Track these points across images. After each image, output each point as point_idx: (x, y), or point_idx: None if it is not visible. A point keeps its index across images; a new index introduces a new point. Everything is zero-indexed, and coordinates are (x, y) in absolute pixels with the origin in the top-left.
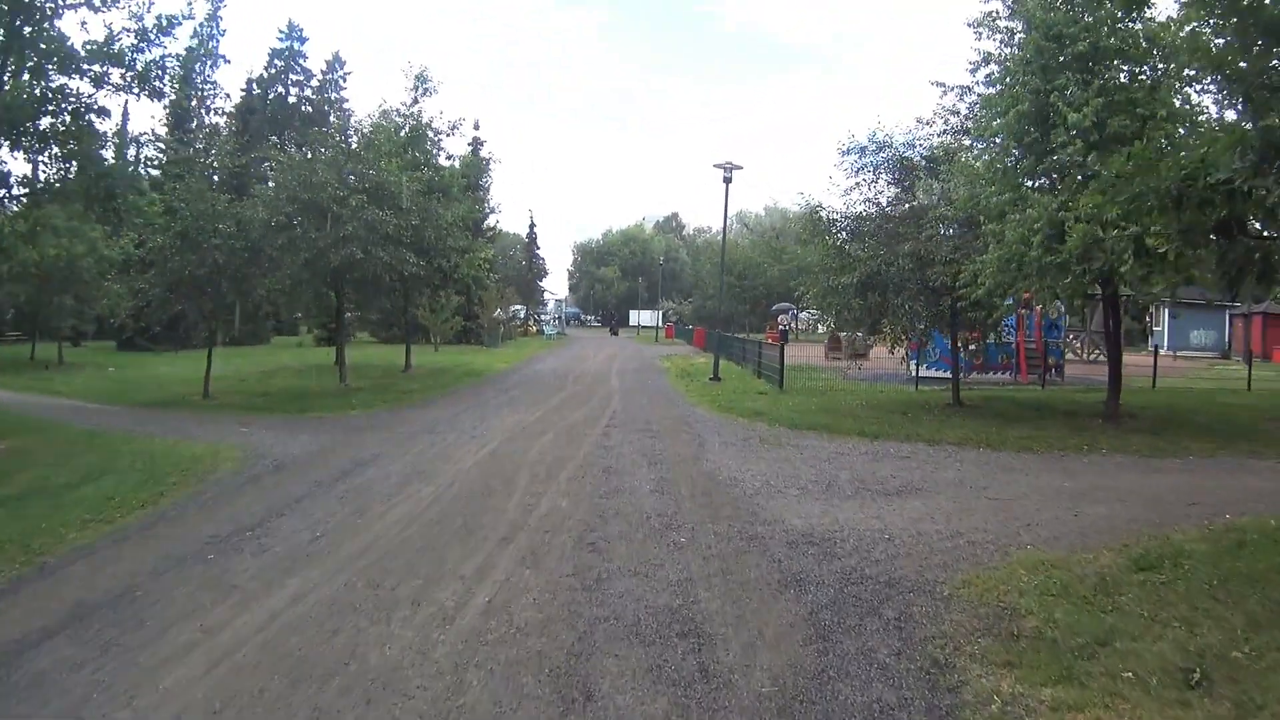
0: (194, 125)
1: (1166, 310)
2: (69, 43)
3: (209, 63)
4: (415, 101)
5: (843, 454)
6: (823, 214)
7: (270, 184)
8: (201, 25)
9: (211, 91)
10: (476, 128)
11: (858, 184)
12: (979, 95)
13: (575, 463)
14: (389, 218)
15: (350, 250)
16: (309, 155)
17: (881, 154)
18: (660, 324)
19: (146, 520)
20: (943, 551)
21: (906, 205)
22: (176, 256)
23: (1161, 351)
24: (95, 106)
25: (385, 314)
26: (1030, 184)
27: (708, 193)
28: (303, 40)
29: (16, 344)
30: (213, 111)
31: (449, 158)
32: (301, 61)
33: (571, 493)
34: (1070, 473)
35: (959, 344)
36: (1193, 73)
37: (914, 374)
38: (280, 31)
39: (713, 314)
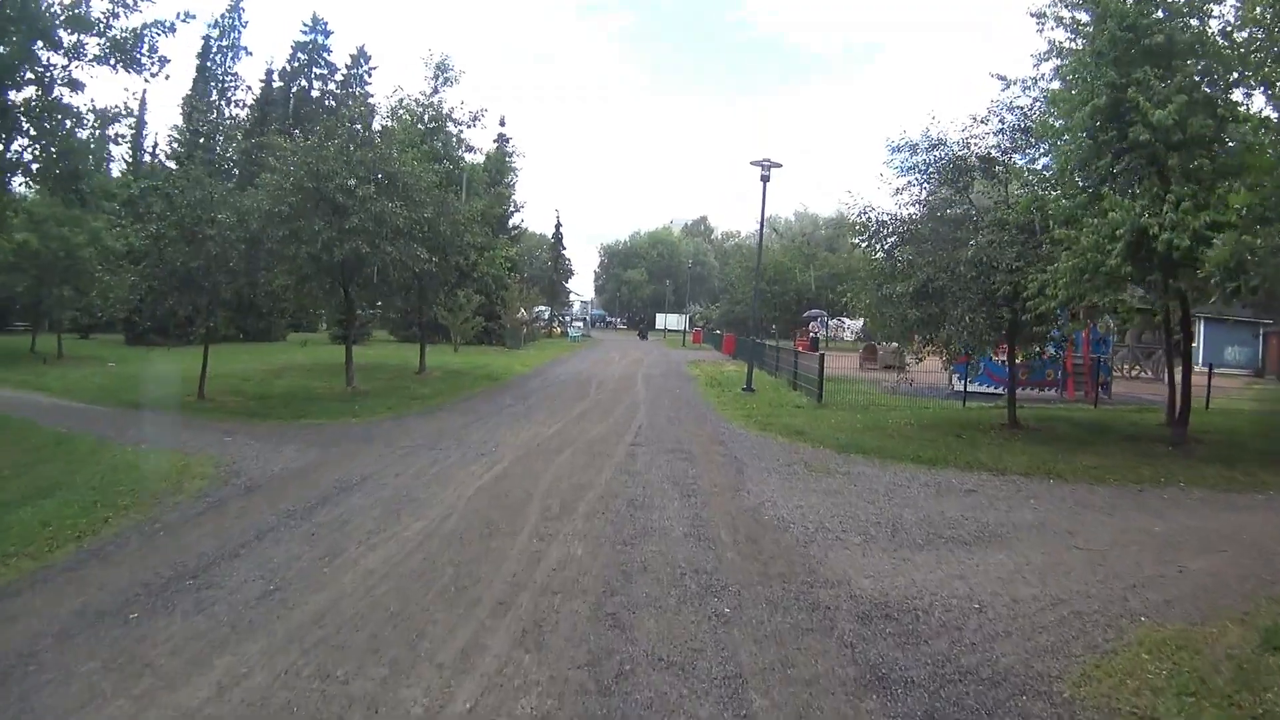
0: (213, 116)
1: (1203, 325)
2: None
3: (230, 54)
4: (435, 91)
5: (901, 485)
6: (873, 215)
7: (273, 173)
8: (223, 16)
9: (233, 84)
10: (502, 124)
11: (909, 184)
12: (1043, 90)
13: (595, 492)
14: (400, 210)
15: (356, 244)
16: (317, 142)
17: (934, 152)
18: (687, 328)
19: (78, 557)
20: (1047, 628)
21: (960, 209)
22: (170, 247)
23: (1197, 369)
24: (67, 79)
25: (401, 313)
26: (1105, 187)
27: (736, 196)
28: (327, 34)
29: (22, 335)
30: (233, 104)
31: (470, 149)
32: (325, 55)
33: (589, 534)
34: (1155, 512)
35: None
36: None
37: (957, 389)
38: (304, 24)
39: (741, 319)
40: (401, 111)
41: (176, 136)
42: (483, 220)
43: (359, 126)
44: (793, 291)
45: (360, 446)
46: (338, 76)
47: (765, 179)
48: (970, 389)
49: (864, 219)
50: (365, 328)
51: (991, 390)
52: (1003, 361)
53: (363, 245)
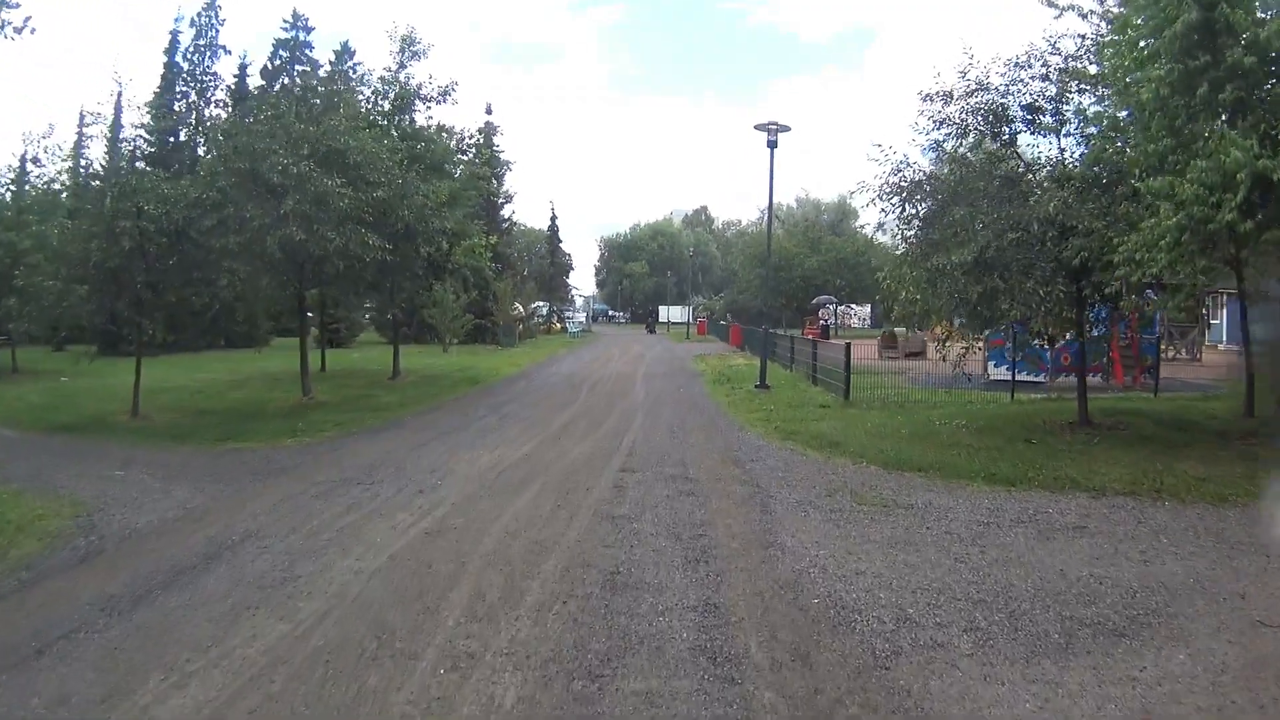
0: (191, 117)
1: (1226, 301)
2: None
3: (208, 54)
4: (402, 66)
5: (987, 524)
6: (907, 172)
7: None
8: (199, 15)
9: (212, 83)
10: (489, 112)
11: (946, 137)
12: (1106, 13)
13: (558, 558)
14: (345, 191)
15: (288, 231)
16: (250, 118)
17: (974, 98)
18: (691, 320)
19: None
20: None
21: (1011, 163)
22: (83, 243)
23: (1222, 346)
24: None
25: (374, 311)
26: (1205, 125)
27: (736, 186)
28: (308, 30)
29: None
30: (212, 103)
31: (441, 128)
32: (308, 52)
33: (532, 657)
34: None
35: (1042, 342)
36: None
37: (993, 377)
38: (285, 21)
39: (746, 308)
40: (362, 87)
41: (145, 136)
42: (453, 203)
43: (313, 98)
44: (799, 278)
45: (270, 483)
46: (320, 73)
47: (772, 145)
48: (1006, 377)
49: (898, 177)
50: (352, 329)
51: (1033, 379)
52: (1043, 345)
53: (296, 232)
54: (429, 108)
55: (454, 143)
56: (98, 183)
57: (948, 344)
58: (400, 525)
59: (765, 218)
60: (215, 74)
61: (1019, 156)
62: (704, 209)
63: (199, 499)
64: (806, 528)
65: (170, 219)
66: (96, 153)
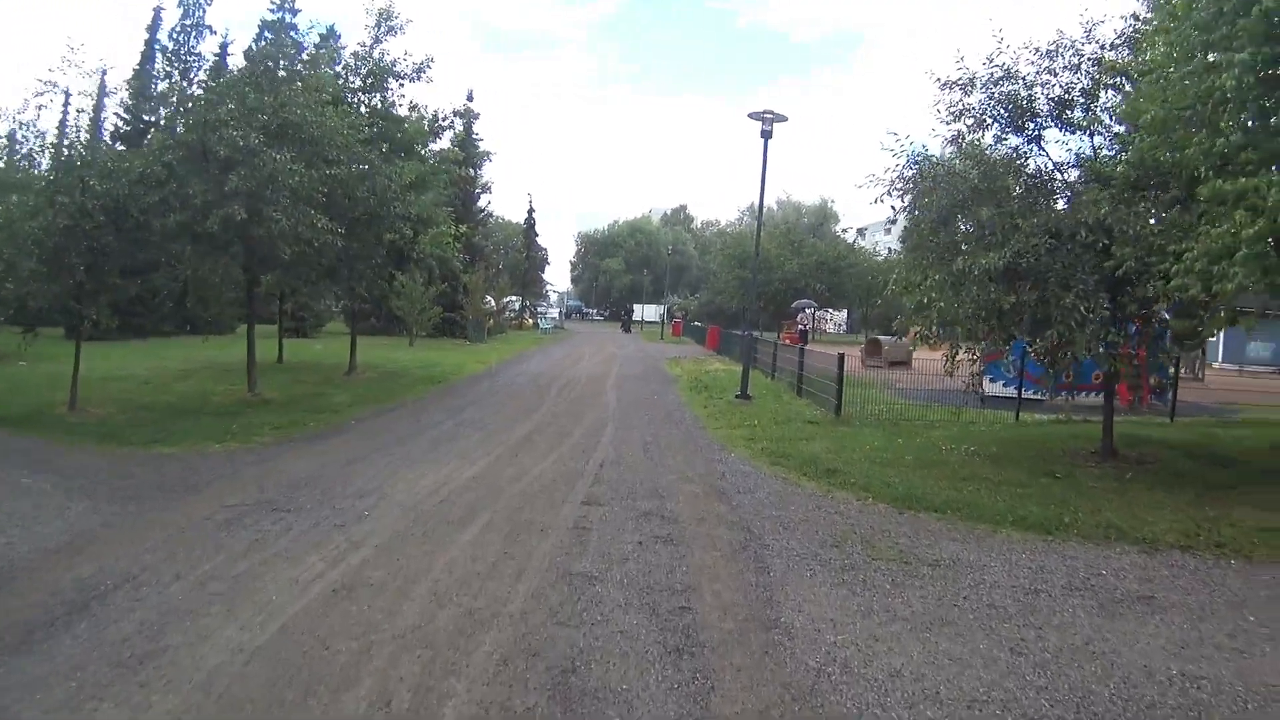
0: (173, 97)
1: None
2: None
3: (195, 33)
4: (377, 41)
5: (1038, 593)
6: (923, 165)
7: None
8: None
9: (197, 63)
10: (470, 99)
11: (967, 129)
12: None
13: (496, 640)
14: (297, 168)
15: (230, 209)
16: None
17: (1000, 87)
18: (666, 319)
19: None
20: None
21: (1039, 160)
22: (27, 219)
23: (1216, 365)
24: None
25: (334, 300)
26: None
27: (717, 186)
28: (294, 12)
29: None
30: (195, 84)
31: (414, 106)
32: (293, 34)
33: None
34: None
35: (1038, 357)
36: None
37: (989, 393)
38: (272, 3)
39: (722, 310)
40: (332, 65)
41: (124, 115)
42: (420, 187)
43: (272, 64)
44: (778, 281)
45: (177, 504)
46: (305, 55)
47: (767, 135)
48: (1003, 393)
49: (915, 170)
50: (318, 319)
51: (1030, 395)
52: (1041, 361)
53: (240, 211)
54: (402, 85)
55: (427, 124)
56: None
57: (957, 357)
58: (306, 575)
59: (745, 219)
60: (200, 54)
61: (1046, 153)
62: (683, 208)
63: (91, 522)
64: (815, 596)
65: (113, 196)
66: (49, 123)
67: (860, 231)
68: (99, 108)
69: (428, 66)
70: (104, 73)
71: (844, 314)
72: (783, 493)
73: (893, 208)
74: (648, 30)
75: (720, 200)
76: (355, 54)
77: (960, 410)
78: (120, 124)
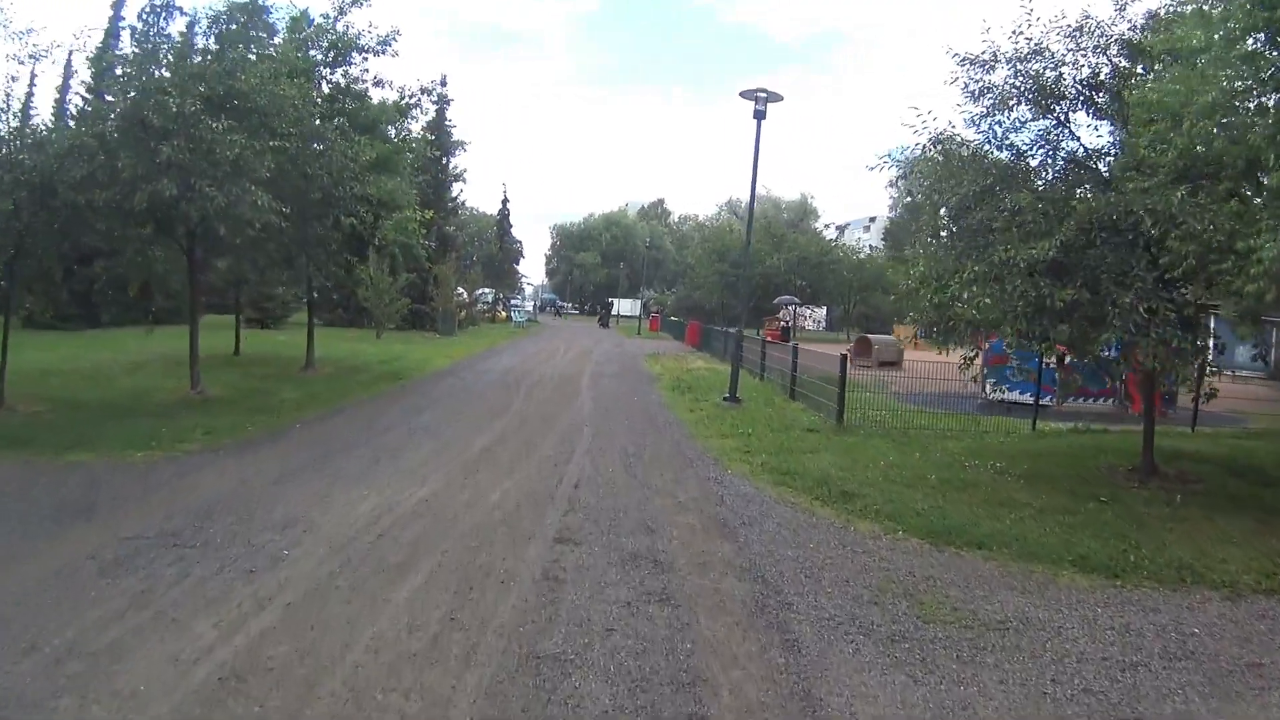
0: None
1: (1213, 320)
2: None
3: (164, 14)
4: (342, 13)
5: (1136, 667)
6: (948, 145)
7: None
8: None
9: (167, 44)
10: (443, 84)
11: (991, 109)
12: None
13: None
14: (238, 138)
15: (159, 184)
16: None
17: (1029, 64)
18: (642, 314)
19: None
20: None
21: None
22: None
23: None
24: None
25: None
26: None
27: (694, 181)
28: None
29: None
30: (163, 66)
31: (379, 82)
32: (265, 18)
33: None
34: None
35: (1046, 361)
36: None
37: (991, 397)
38: None
39: (700, 305)
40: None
41: (86, 95)
42: (383, 167)
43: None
44: (759, 276)
45: (62, 536)
46: (277, 40)
47: (760, 115)
48: (1007, 397)
49: (939, 149)
50: (285, 309)
51: (1043, 401)
52: (1051, 363)
53: (169, 186)
54: (366, 59)
55: (393, 103)
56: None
57: (975, 359)
58: (191, 652)
59: (723, 213)
60: (170, 35)
61: (1077, 138)
62: (660, 202)
63: None
64: (867, 687)
65: (40, 171)
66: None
67: (839, 228)
68: (64, 88)
69: (394, 39)
70: (70, 53)
71: (823, 311)
72: (795, 523)
73: (909, 192)
74: (625, 25)
75: (698, 195)
76: (317, 26)
77: (970, 418)
78: (84, 104)
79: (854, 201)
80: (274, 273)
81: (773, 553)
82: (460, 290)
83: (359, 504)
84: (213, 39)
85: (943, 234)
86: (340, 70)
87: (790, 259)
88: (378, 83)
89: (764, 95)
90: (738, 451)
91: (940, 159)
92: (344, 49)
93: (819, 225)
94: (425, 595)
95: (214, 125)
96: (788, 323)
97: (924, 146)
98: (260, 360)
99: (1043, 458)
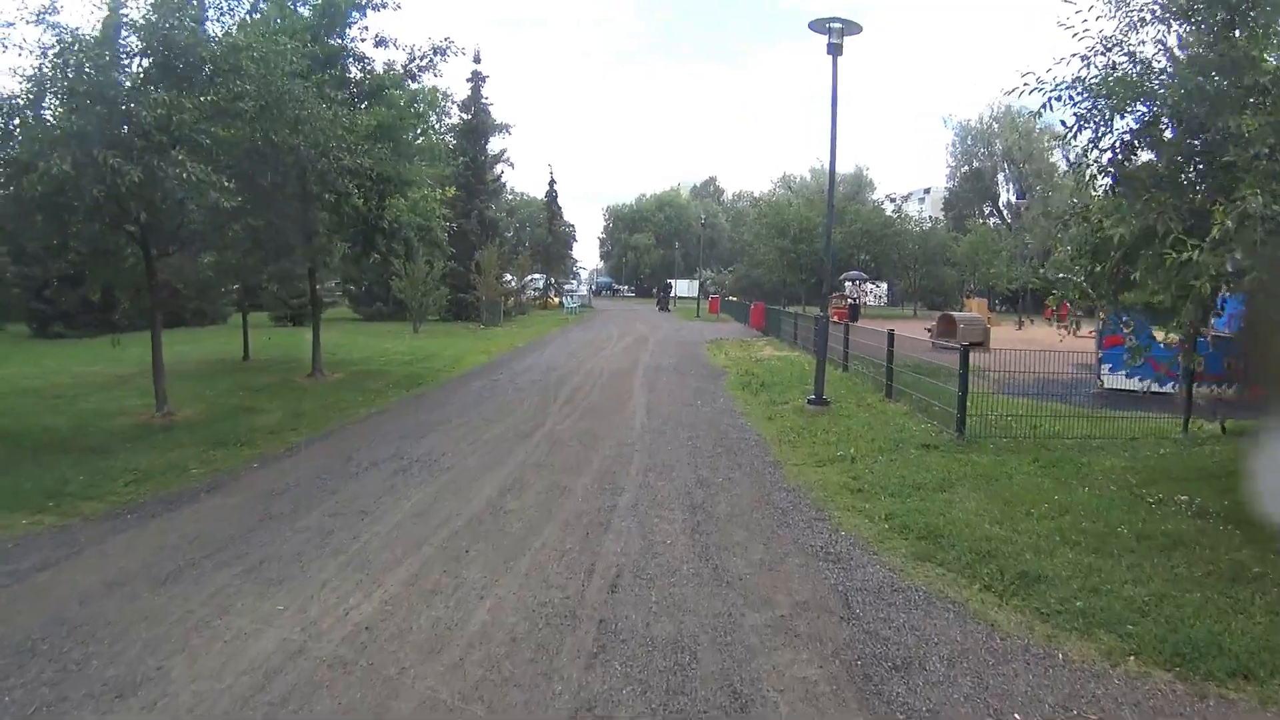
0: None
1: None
2: None
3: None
4: None
5: None
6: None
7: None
8: None
9: None
10: (477, 60)
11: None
12: None
13: None
14: (161, 95)
15: (48, 161)
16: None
17: None
18: (701, 295)
19: None
20: None
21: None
22: None
23: None
24: None
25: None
26: None
27: (747, 158)
28: None
29: None
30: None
31: (380, 42)
32: (262, 6)
33: None
34: None
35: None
36: None
37: (1107, 384)
38: None
39: (760, 284)
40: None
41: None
42: (387, 136)
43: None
44: (821, 250)
45: None
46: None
47: (835, 49)
48: (1126, 385)
49: (1105, 60)
50: (317, 305)
51: (1157, 388)
52: (1169, 344)
53: (59, 161)
54: (364, 15)
55: (400, 65)
56: None
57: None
58: None
59: (779, 190)
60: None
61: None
62: (713, 179)
63: None
64: None
65: None
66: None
67: (899, 200)
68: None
69: None
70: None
71: (884, 286)
72: (975, 656)
73: (1062, 122)
74: (671, 1)
75: (752, 172)
76: None
77: (1101, 417)
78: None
79: (904, 173)
80: (255, 263)
81: None
82: (508, 277)
83: (255, 639)
84: None
85: (1101, 180)
86: (337, 33)
87: (852, 231)
88: (380, 42)
89: (839, 26)
90: (846, 491)
91: (1135, 69)
92: (339, 6)
93: (877, 197)
94: None
95: (125, 82)
96: (855, 299)
97: (1089, 60)
98: (267, 366)
99: (1231, 478)
